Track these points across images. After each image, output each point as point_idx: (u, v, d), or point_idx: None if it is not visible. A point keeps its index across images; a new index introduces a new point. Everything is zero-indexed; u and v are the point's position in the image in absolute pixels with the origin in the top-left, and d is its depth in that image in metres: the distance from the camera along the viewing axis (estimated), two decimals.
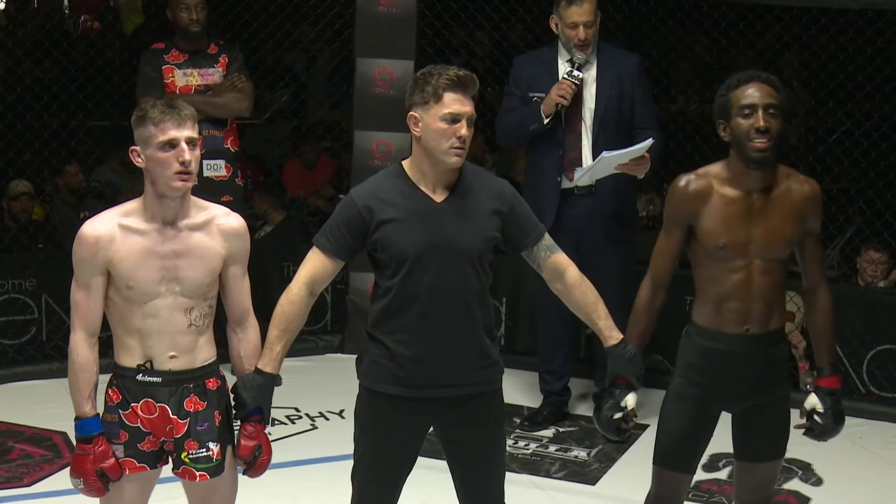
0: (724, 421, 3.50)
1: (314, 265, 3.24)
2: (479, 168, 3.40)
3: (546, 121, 5.03)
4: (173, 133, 3.04)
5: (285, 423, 5.34)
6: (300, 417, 5.43)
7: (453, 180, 3.22)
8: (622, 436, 3.54)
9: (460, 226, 3.18)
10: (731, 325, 3.38)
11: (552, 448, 5.16)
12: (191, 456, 3.16)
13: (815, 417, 3.45)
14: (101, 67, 6.43)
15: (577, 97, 5.03)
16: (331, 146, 7.49)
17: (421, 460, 3.39)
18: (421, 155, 3.20)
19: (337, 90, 7.52)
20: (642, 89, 5.16)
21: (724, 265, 3.35)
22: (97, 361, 3.14)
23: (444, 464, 3.39)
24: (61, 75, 6.49)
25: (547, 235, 3.33)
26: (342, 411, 5.44)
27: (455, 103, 3.13)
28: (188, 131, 3.06)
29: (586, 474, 4.91)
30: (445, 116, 3.13)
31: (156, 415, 3.16)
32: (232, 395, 3.26)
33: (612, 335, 3.31)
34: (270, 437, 3.35)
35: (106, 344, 3.16)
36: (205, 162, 5.33)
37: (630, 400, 3.42)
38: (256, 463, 3.26)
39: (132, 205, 3.14)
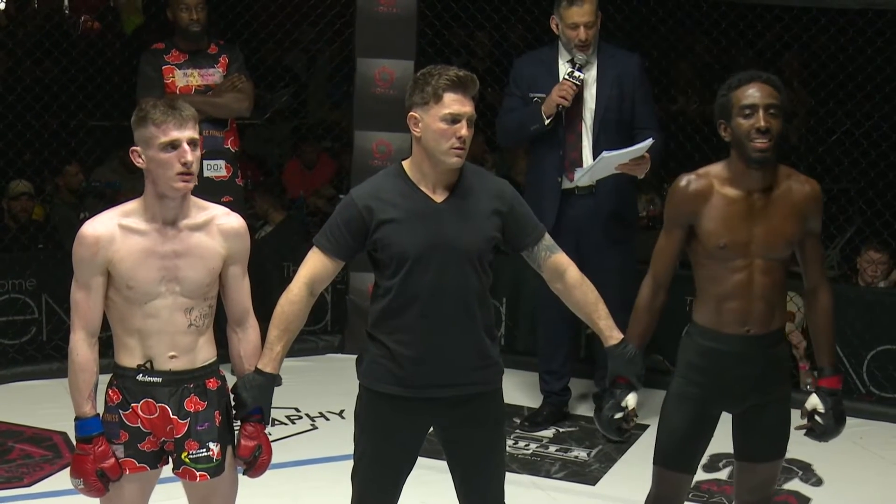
0: (725, 421, 3.50)
1: (314, 265, 3.24)
2: (479, 168, 3.40)
3: (547, 121, 5.04)
4: (175, 134, 3.04)
5: (285, 424, 5.34)
6: (300, 417, 5.43)
7: (453, 180, 3.22)
8: (623, 436, 3.54)
9: (460, 226, 3.18)
10: (732, 325, 3.38)
11: (552, 448, 5.16)
12: (191, 456, 3.16)
13: (817, 418, 3.45)
14: (101, 67, 6.43)
15: (578, 97, 5.03)
16: (331, 146, 7.49)
17: (421, 460, 3.39)
18: (421, 155, 3.20)
19: (337, 90, 7.51)
20: (643, 90, 5.16)
21: (724, 265, 3.35)
22: (97, 361, 3.14)
23: (444, 464, 3.39)
24: (61, 75, 6.48)
25: (547, 235, 3.33)
26: (342, 411, 5.44)
27: (455, 104, 3.13)
28: (190, 132, 3.06)
29: (586, 474, 4.91)
30: (445, 117, 3.13)
31: (156, 415, 3.16)
32: (232, 395, 3.26)
33: (612, 335, 3.31)
34: (270, 438, 3.35)
35: (106, 344, 3.16)
36: (205, 162, 5.33)
37: (631, 400, 3.42)
38: (256, 463, 3.26)
39: (132, 205, 3.14)
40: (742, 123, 3.27)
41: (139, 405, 3.15)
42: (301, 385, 5.72)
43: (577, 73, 4.99)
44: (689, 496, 3.95)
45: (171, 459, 3.21)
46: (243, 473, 3.30)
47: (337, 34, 6.63)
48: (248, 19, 6.68)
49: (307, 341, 6.23)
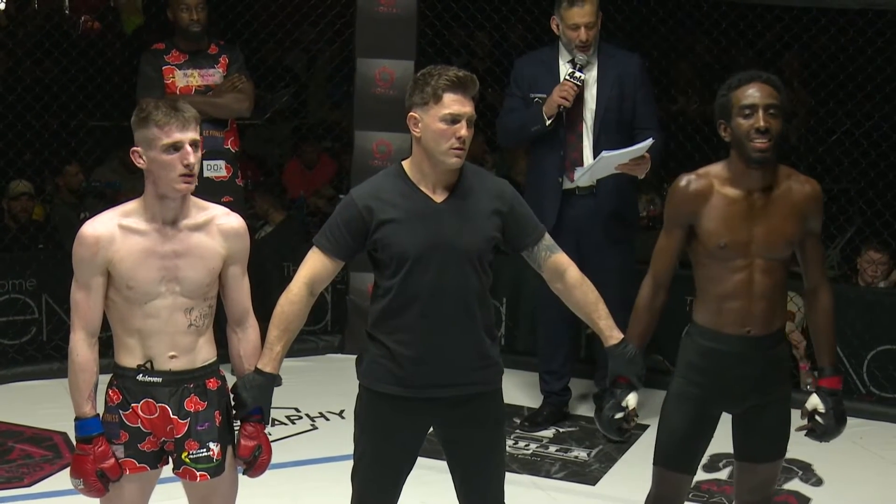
0: (725, 421, 3.50)
1: (314, 265, 3.24)
2: (479, 168, 3.40)
3: (548, 122, 5.04)
4: (178, 135, 3.03)
5: (285, 424, 5.34)
6: (300, 418, 5.43)
7: (453, 181, 3.22)
8: (623, 436, 3.54)
9: (460, 226, 3.18)
10: (732, 325, 3.37)
11: (552, 448, 5.16)
12: (191, 456, 3.16)
13: (817, 418, 3.45)
14: (101, 68, 6.43)
15: (579, 98, 5.03)
16: (331, 146, 7.49)
17: (421, 460, 3.39)
18: (421, 155, 3.20)
19: (337, 90, 7.51)
20: (644, 90, 5.16)
21: (725, 265, 3.35)
22: (97, 362, 3.14)
23: (444, 464, 3.39)
24: (61, 75, 6.48)
25: (547, 235, 3.33)
26: (342, 411, 5.44)
27: (455, 104, 3.13)
28: (192, 133, 3.06)
29: (586, 474, 4.91)
30: (445, 117, 3.13)
31: (156, 415, 3.16)
32: (232, 395, 3.26)
33: (612, 335, 3.31)
34: (270, 438, 3.35)
35: (106, 344, 3.16)
36: (205, 162, 5.33)
37: (631, 400, 3.42)
38: (256, 463, 3.26)
39: (132, 205, 3.14)
40: (742, 123, 3.27)
41: (139, 405, 3.15)
42: (301, 385, 5.72)
43: (577, 74, 4.99)
44: (689, 496, 3.95)
45: (171, 459, 3.21)
46: (243, 473, 3.30)
47: (337, 34, 6.63)
48: (248, 19, 6.67)
49: (307, 341, 6.23)
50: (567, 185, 5.11)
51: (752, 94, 3.27)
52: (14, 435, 5.15)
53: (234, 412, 3.27)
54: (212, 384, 3.21)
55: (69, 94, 6.26)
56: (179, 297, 3.12)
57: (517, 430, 5.29)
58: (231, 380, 3.29)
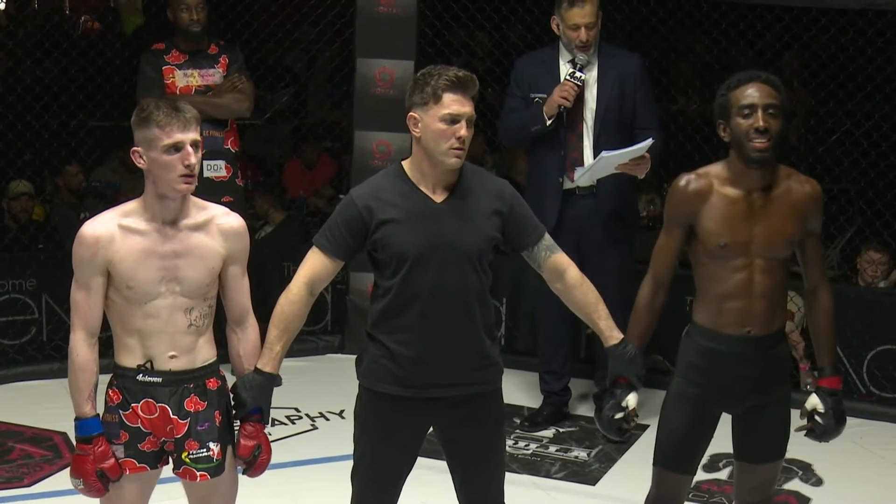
0: (725, 421, 3.49)
1: (314, 265, 3.24)
2: (479, 168, 3.40)
3: (548, 122, 5.04)
4: (179, 136, 3.03)
5: (285, 424, 5.34)
6: (300, 418, 5.43)
7: (453, 181, 3.22)
8: (623, 436, 3.54)
9: (460, 226, 3.18)
10: (732, 326, 3.37)
11: (552, 448, 5.16)
12: (191, 456, 3.16)
13: (817, 418, 3.45)
14: (101, 68, 6.43)
15: (579, 98, 5.03)
16: (331, 146, 7.49)
17: (421, 460, 3.39)
18: (421, 155, 3.20)
19: (337, 90, 7.51)
20: (644, 90, 5.16)
21: (725, 264, 3.35)
22: (97, 362, 3.14)
23: (444, 464, 3.39)
24: (61, 75, 6.48)
25: (547, 235, 3.33)
26: (342, 411, 5.44)
27: (454, 104, 3.13)
28: (193, 134, 3.06)
29: (586, 475, 4.91)
30: (445, 117, 3.13)
31: (156, 415, 3.16)
32: (231, 395, 3.26)
33: (612, 335, 3.30)
34: (271, 438, 3.35)
35: (106, 344, 3.16)
36: (205, 162, 5.33)
37: (631, 400, 3.41)
38: (256, 462, 3.26)
39: (132, 205, 3.14)
40: (741, 123, 3.27)
41: (139, 405, 3.15)
42: (301, 385, 5.72)
43: (578, 74, 5.00)
44: (689, 496, 3.95)
45: (171, 459, 3.21)
46: (243, 473, 3.29)
47: (337, 34, 6.63)
48: (248, 19, 6.67)
49: (307, 341, 6.23)
50: (567, 185, 5.11)
51: (751, 94, 3.27)
52: (14, 435, 5.15)
53: (233, 412, 3.27)
54: (212, 384, 3.21)
55: (69, 94, 6.26)
56: (179, 297, 3.12)
57: (517, 430, 5.29)
58: (231, 380, 3.29)
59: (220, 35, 6.29)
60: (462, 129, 3.14)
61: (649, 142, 4.87)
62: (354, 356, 3.37)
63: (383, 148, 6.08)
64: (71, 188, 6.78)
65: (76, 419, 3.14)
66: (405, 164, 3.25)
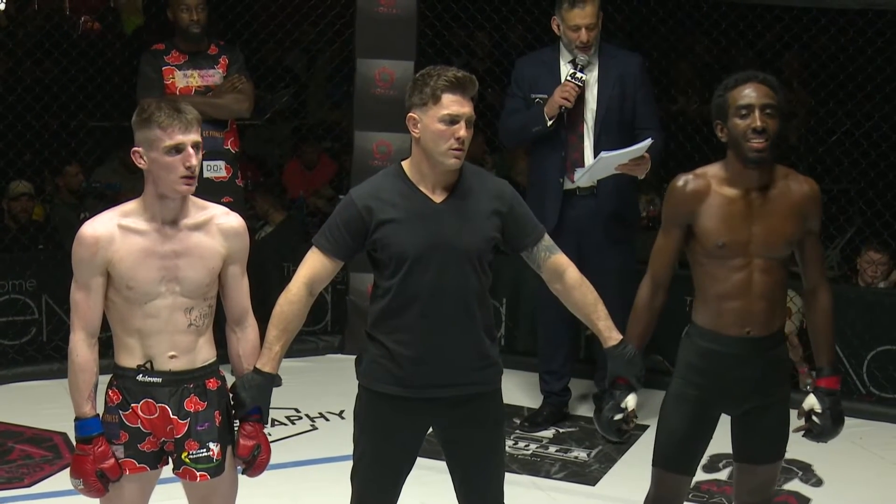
0: (725, 421, 3.50)
1: (313, 265, 3.24)
2: (478, 168, 3.40)
3: (549, 123, 5.04)
4: (180, 137, 3.03)
5: (285, 424, 5.34)
6: (300, 418, 5.43)
7: (453, 181, 3.22)
8: (623, 437, 3.54)
9: (460, 226, 3.18)
10: (732, 326, 3.37)
11: (552, 449, 5.16)
12: (191, 456, 3.16)
13: (814, 418, 3.45)
14: (101, 68, 6.43)
15: (579, 98, 5.03)
16: (331, 147, 7.49)
17: (421, 460, 3.39)
18: (420, 156, 3.20)
19: (337, 91, 7.51)
20: (644, 90, 5.16)
21: (724, 264, 3.35)
22: (97, 362, 3.14)
23: (443, 464, 3.39)
24: (61, 76, 6.49)
25: (547, 236, 3.33)
26: (342, 412, 5.44)
27: (454, 104, 3.13)
28: (194, 135, 3.06)
29: (586, 475, 4.91)
30: (444, 118, 3.13)
31: (156, 415, 3.16)
32: (231, 395, 3.26)
33: (611, 336, 3.30)
34: (270, 438, 3.35)
35: (106, 344, 3.16)
36: (205, 163, 5.28)
37: (630, 401, 3.42)
38: (255, 462, 3.26)
39: (132, 205, 3.14)
40: (738, 123, 3.28)
41: (139, 405, 3.15)
42: (301, 385, 5.72)
43: (579, 75, 5.00)
44: (689, 496, 3.96)
45: (171, 460, 3.21)
46: (242, 473, 3.30)
47: (337, 34, 6.63)
48: (248, 20, 6.68)
49: (307, 341, 6.23)
50: (568, 185, 5.11)
51: (749, 94, 3.28)
52: (14, 435, 5.15)
53: (233, 412, 3.27)
54: (212, 384, 3.21)
55: (69, 95, 6.26)
56: (179, 297, 3.13)
57: (517, 431, 5.29)
58: (231, 380, 3.29)
59: (220, 35, 6.29)
60: (461, 130, 3.14)
61: (648, 142, 4.87)
62: (354, 356, 3.37)
63: (383, 148, 6.08)
64: (71, 188, 6.78)
65: (76, 419, 3.14)
66: (405, 164, 3.25)
